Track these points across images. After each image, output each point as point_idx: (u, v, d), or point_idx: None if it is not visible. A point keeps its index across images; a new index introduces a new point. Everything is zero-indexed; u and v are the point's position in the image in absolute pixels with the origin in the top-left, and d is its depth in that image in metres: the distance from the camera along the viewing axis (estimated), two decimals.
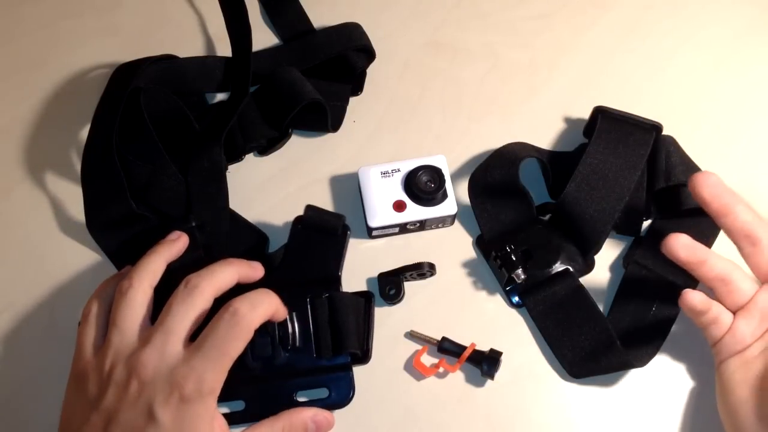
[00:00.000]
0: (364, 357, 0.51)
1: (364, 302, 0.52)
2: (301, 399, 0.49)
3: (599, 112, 0.57)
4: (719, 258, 0.48)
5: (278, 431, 0.45)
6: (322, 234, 0.52)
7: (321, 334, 0.50)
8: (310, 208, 0.53)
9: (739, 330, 0.47)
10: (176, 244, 0.50)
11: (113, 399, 0.42)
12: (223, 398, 0.46)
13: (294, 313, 0.50)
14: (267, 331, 0.48)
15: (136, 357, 0.43)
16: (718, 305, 0.48)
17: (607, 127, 0.56)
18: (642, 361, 0.51)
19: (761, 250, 0.47)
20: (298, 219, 0.53)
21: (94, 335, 0.46)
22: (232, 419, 0.47)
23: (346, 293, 0.52)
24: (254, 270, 0.50)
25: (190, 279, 0.46)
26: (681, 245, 0.48)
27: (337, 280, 0.52)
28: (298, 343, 0.49)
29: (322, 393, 0.49)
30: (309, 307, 0.50)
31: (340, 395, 0.49)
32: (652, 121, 0.56)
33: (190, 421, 0.41)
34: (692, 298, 0.48)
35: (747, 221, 0.47)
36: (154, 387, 0.42)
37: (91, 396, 0.43)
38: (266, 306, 0.45)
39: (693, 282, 0.54)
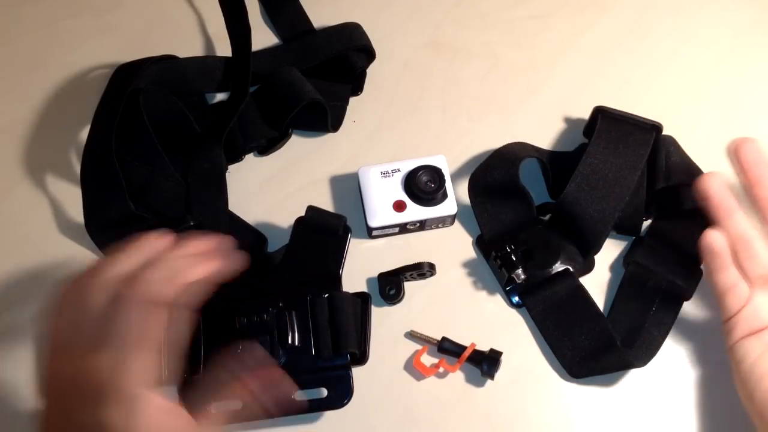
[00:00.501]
0: (362, 358, 0.51)
1: (361, 303, 0.52)
2: (299, 398, 0.49)
3: (599, 112, 0.57)
4: (747, 219, 0.46)
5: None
6: (323, 234, 0.52)
7: (321, 333, 0.50)
8: (311, 209, 0.53)
9: (759, 303, 0.45)
10: (150, 244, 0.44)
11: (71, 410, 0.39)
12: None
13: (294, 313, 0.50)
14: (266, 329, 0.48)
15: (86, 364, 0.39)
16: (738, 276, 0.46)
17: (607, 127, 0.56)
18: (642, 361, 0.51)
19: None
20: (299, 219, 0.53)
21: (56, 341, 0.42)
22: (230, 418, 0.47)
23: (346, 293, 0.52)
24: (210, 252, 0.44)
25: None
26: (714, 183, 0.47)
27: (338, 281, 0.52)
28: (297, 343, 0.49)
29: (321, 393, 0.49)
30: (309, 306, 0.50)
31: (340, 395, 0.49)
32: (652, 121, 0.56)
33: (124, 422, 0.38)
34: (713, 236, 0.46)
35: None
36: (86, 392, 0.39)
37: (54, 405, 0.40)
38: (165, 273, 0.41)
39: (693, 282, 0.54)
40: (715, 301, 0.48)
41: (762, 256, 0.46)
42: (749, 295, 0.46)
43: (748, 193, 0.47)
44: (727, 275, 0.46)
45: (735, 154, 0.47)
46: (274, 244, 0.56)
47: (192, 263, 0.43)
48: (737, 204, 0.47)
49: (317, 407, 0.49)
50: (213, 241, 0.45)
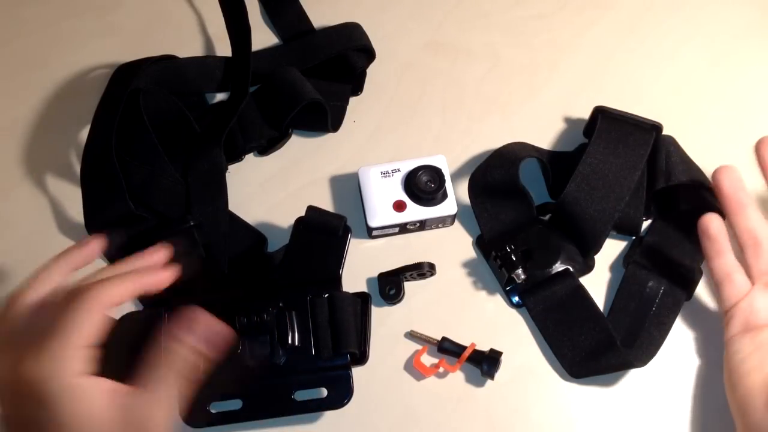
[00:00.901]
0: (361, 358, 0.51)
1: (361, 303, 0.52)
2: (299, 398, 0.49)
3: (599, 112, 0.57)
4: (760, 215, 0.47)
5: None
6: (323, 234, 0.52)
7: (320, 333, 0.50)
8: (311, 209, 0.53)
9: (757, 300, 0.46)
10: (85, 250, 0.45)
11: (13, 411, 0.40)
12: (220, 397, 0.46)
13: (294, 312, 0.50)
14: (266, 329, 0.48)
15: (15, 364, 0.39)
16: (735, 261, 0.47)
17: (607, 127, 0.56)
18: (642, 360, 0.51)
19: None
20: (299, 219, 0.53)
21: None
22: (230, 418, 0.47)
23: (346, 293, 0.52)
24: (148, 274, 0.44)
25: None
26: (729, 177, 0.47)
27: (338, 281, 0.52)
28: (297, 343, 0.49)
29: (321, 393, 0.49)
30: (309, 306, 0.50)
31: (339, 395, 0.49)
32: (652, 121, 0.56)
33: (59, 410, 0.38)
34: (710, 220, 0.47)
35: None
36: (21, 391, 0.39)
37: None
38: (102, 284, 0.41)
39: (693, 282, 0.54)
40: (714, 288, 0.48)
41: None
42: (749, 291, 0.46)
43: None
44: (724, 262, 0.47)
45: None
46: (274, 244, 0.56)
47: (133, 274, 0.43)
48: (750, 199, 0.47)
49: (317, 407, 0.49)
50: (153, 255, 0.45)
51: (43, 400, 0.38)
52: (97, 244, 0.45)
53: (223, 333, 0.42)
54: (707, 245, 0.48)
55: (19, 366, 0.39)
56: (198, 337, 0.41)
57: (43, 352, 0.39)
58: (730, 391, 0.46)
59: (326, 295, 0.51)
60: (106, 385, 0.39)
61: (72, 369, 0.39)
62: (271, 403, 0.48)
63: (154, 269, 0.44)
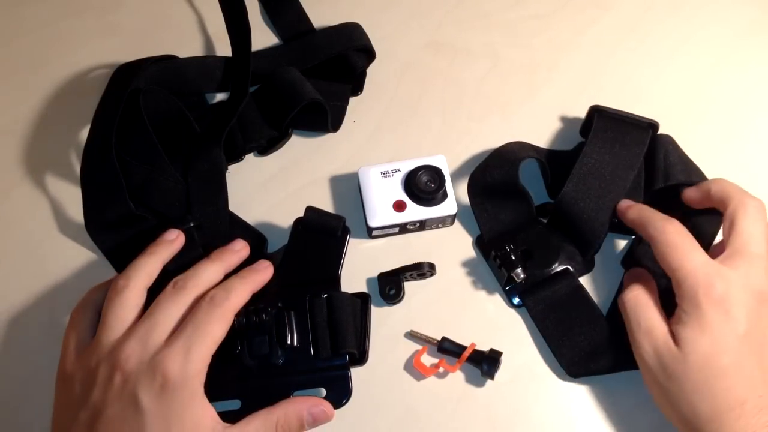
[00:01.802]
0: (361, 358, 0.51)
1: (360, 303, 0.52)
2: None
3: (595, 111, 0.57)
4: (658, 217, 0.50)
5: (273, 423, 0.45)
6: (322, 235, 0.52)
7: (319, 333, 0.50)
8: (310, 210, 0.53)
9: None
10: (173, 244, 0.50)
11: (99, 395, 0.42)
12: (219, 397, 0.46)
13: (292, 313, 0.50)
14: (265, 329, 0.48)
15: (120, 350, 0.43)
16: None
17: (604, 126, 0.56)
18: None
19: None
20: (298, 220, 0.53)
21: (79, 337, 0.46)
22: (228, 418, 0.47)
23: (345, 293, 0.52)
24: (239, 254, 0.51)
25: (178, 280, 0.47)
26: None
27: (337, 281, 0.52)
28: (296, 343, 0.49)
29: (320, 393, 0.49)
30: (308, 307, 0.50)
31: (338, 395, 0.49)
32: (648, 119, 0.56)
33: (176, 406, 0.41)
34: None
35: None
36: (137, 376, 0.42)
37: (77, 395, 0.43)
38: (240, 290, 0.47)
39: None
40: None
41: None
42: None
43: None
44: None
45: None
46: (274, 245, 0.56)
47: (253, 281, 0.49)
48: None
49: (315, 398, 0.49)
50: (263, 266, 0.51)
51: (163, 392, 0.41)
52: (181, 236, 0.51)
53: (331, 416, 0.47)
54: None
55: (164, 354, 0.42)
56: (314, 419, 0.47)
57: (191, 351, 0.42)
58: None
59: (325, 296, 0.51)
60: (212, 413, 0.43)
61: (203, 377, 0.43)
62: (270, 403, 0.48)
63: (258, 268, 0.50)
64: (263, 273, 0.50)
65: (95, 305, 0.48)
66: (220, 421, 0.44)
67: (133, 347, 0.43)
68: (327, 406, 0.47)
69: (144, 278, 0.47)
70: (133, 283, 0.46)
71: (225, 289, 0.46)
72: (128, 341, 0.43)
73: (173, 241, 0.50)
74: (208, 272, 0.48)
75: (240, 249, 0.51)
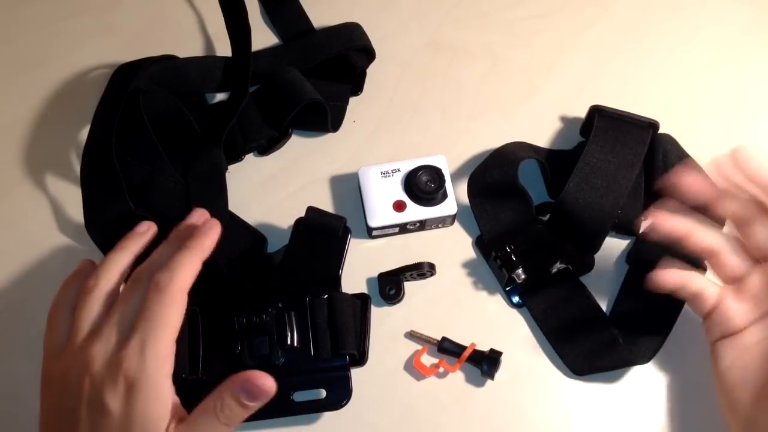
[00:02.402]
0: (361, 359, 0.51)
1: (360, 304, 0.52)
2: (298, 399, 0.49)
3: (596, 111, 0.57)
4: (707, 231, 0.47)
5: (212, 411, 0.41)
6: (323, 235, 0.52)
7: (320, 334, 0.50)
8: (311, 210, 0.53)
9: (730, 309, 0.46)
10: (144, 237, 0.47)
11: (73, 401, 0.40)
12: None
13: (293, 313, 0.50)
14: (265, 330, 0.48)
15: (86, 353, 0.41)
16: (700, 278, 0.48)
17: (604, 126, 0.56)
18: (644, 358, 0.51)
19: (752, 232, 0.46)
20: (299, 220, 0.53)
21: (55, 340, 0.44)
22: None
23: (346, 294, 0.52)
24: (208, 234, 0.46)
25: (134, 272, 0.44)
26: (663, 219, 0.48)
27: (337, 281, 0.52)
28: (296, 343, 0.49)
29: (320, 394, 0.49)
30: (308, 307, 0.50)
31: (338, 396, 0.49)
32: (648, 118, 0.56)
33: (140, 405, 0.39)
34: (665, 279, 0.48)
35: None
36: (102, 379, 0.40)
37: (56, 400, 0.42)
38: (185, 265, 0.43)
39: None
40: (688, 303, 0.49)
41: (731, 262, 0.47)
42: (721, 297, 0.47)
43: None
44: (690, 287, 0.47)
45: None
46: (274, 245, 0.56)
47: (200, 249, 0.44)
48: (689, 223, 0.48)
49: (316, 408, 0.49)
50: (209, 224, 0.46)
51: (127, 393, 0.39)
52: (153, 228, 0.47)
53: (269, 388, 0.42)
54: (671, 288, 0.49)
55: (120, 354, 0.40)
56: (248, 395, 0.42)
57: (146, 345, 0.40)
58: (720, 394, 0.47)
59: (325, 296, 0.51)
60: (175, 401, 0.41)
61: (167, 369, 0.41)
62: (270, 404, 0.48)
63: (200, 231, 0.45)
64: (208, 235, 0.45)
65: (69, 302, 0.45)
66: (182, 412, 0.42)
67: (98, 349, 0.41)
68: (262, 377, 0.41)
69: (114, 275, 0.44)
70: (102, 282, 0.43)
71: (168, 269, 0.42)
72: (94, 343, 0.41)
73: (144, 233, 0.47)
74: (163, 257, 0.44)
75: (212, 227, 0.46)
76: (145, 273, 0.43)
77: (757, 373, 0.45)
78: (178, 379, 0.48)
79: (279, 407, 0.48)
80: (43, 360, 0.44)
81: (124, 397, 0.39)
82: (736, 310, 0.46)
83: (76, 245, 0.57)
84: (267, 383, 0.41)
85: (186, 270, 0.43)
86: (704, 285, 0.47)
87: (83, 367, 0.41)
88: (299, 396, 0.49)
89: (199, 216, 0.47)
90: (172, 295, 0.41)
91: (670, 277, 0.47)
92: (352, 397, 0.49)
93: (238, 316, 0.49)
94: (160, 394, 0.40)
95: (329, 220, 0.52)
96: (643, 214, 0.55)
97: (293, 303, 0.50)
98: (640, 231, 0.54)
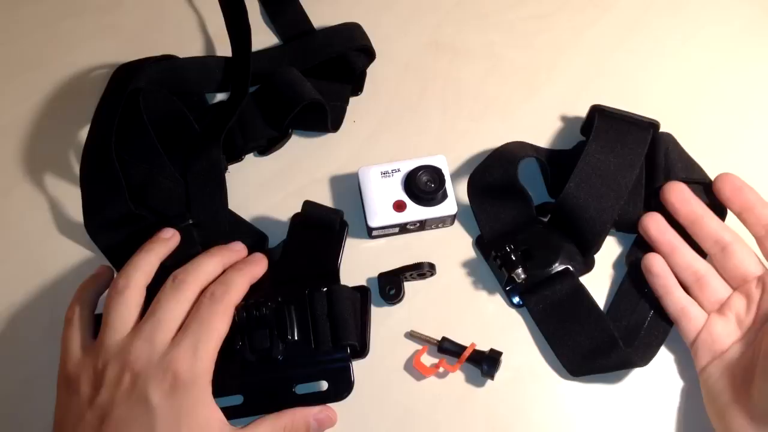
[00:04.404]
0: (362, 350, 0.51)
1: (360, 296, 0.52)
2: (300, 392, 0.49)
3: (596, 111, 0.57)
4: (692, 253, 0.50)
5: (281, 428, 0.46)
6: (320, 229, 0.52)
7: (319, 326, 0.50)
8: (307, 204, 0.53)
9: (716, 330, 0.48)
10: (169, 242, 0.50)
11: (107, 395, 0.42)
12: (221, 393, 0.46)
13: (292, 307, 0.50)
14: (265, 324, 0.48)
15: (128, 350, 0.43)
16: (687, 298, 0.50)
17: (605, 126, 0.56)
18: (643, 359, 0.51)
19: (730, 255, 0.49)
20: (296, 215, 0.53)
21: (81, 336, 0.46)
22: (231, 413, 0.47)
23: (345, 286, 0.52)
24: (239, 253, 0.52)
25: (177, 274, 0.47)
26: (656, 223, 0.51)
27: (336, 274, 0.52)
28: (296, 336, 0.49)
29: (321, 386, 0.49)
30: (308, 300, 0.50)
31: (340, 388, 0.49)
32: (649, 118, 0.56)
33: (186, 404, 0.42)
34: (650, 259, 0.51)
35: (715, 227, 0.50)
36: (146, 375, 0.42)
37: (84, 396, 0.43)
38: (238, 283, 0.48)
39: None
40: (674, 324, 0.51)
41: (713, 286, 0.50)
42: (705, 321, 0.49)
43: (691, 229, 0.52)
44: (676, 298, 0.50)
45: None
46: (274, 243, 0.56)
47: (251, 274, 0.49)
48: (679, 239, 0.51)
49: (318, 400, 0.49)
50: (258, 257, 0.52)
51: (175, 390, 0.41)
52: (177, 236, 0.51)
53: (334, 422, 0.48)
54: (654, 283, 0.51)
55: (171, 353, 0.43)
56: (319, 425, 0.48)
57: (198, 348, 0.43)
58: (713, 416, 0.48)
59: (325, 289, 0.51)
60: (220, 414, 0.44)
61: (210, 371, 0.43)
62: (272, 398, 0.48)
63: (254, 258, 0.51)
64: (259, 264, 0.50)
65: (89, 303, 0.48)
66: (227, 422, 0.44)
67: (141, 347, 0.43)
68: (332, 412, 0.48)
69: (143, 276, 0.47)
70: (133, 282, 0.46)
71: (224, 283, 0.47)
72: (135, 341, 0.43)
73: (169, 239, 0.50)
74: (208, 266, 0.48)
75: (239, 250, 0.52)
76: (189, 276, 0.47)
77: (742, 383, 0.46)
78: None
79: (281, 400, 0.48)
80: (63, 357, 0.46)
81: (171, 394, 0.41)
82: (721, 329, 0.48)
83: (76, 245, 0.56)
84: (335, 417, 0.48)
85: (239, 289, 0.47)
86: (688, 302, 0.50)
87: (124, 364, 0.42)
88: (301, 389, 0.49)
89: (242, 248, 0.52)
90: (226, 306, 0.46)
91: (657, 263, 0.51)
92: (352, 397, 0.49)
93: (238, 310, 0.49)
94: (208, 395, 0.43)
95: (326, 214, 0.53)
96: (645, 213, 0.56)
97: (292, 296, 0.50)
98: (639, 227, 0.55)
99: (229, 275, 0.48)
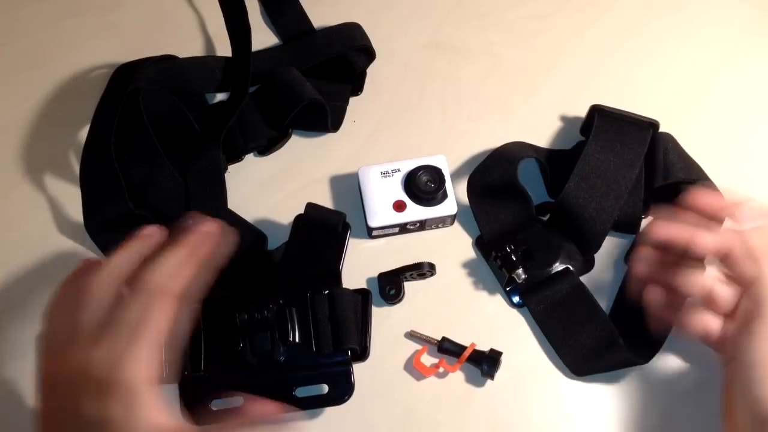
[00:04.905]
0: (362, 354, 0.51)
1: (361, 299, 0.52)
2: (300, 395, 0.49)
3: (596, 111, 0.57)
4: (697, 273, 0.48)
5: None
6: (323, 231, 0.53)
7: (321, 329, 0.50)
8: (310, 206, 0.53)
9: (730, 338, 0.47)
10: (148, 240, 0.45)
11: (75, 402, 0.39)
12: (221, 394, 0.46)
13: (294, 309, 0.50)
14: (267, 326, 0.48)
15: (87, 356, 0.40)
16: (698, 314, 0.48)
17: (605, 126, 0.56)
18: (644, 358, 0.51)
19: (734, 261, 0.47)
20: (299, 217, 0.53)
21: (58, 338, 0.42)
22: (231, 414, 0.47)
23: (346, 289, 0.52)
24: (208, 238, 0.45)
25: (137, 278, 0.42)
26: (640, 263, 0.49)
27: (338, 277, 0.52)
28: (297, 339, 0.49)
29: (322, 389, 0.49)
30: (309, 303, 0.50)
31: (340, 391, 0.49)
32: (648, 118, 0.56)
33: (139, 413, 0.38)
34: (649, 296, 0.49)
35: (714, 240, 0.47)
36: (99, 384, 0.39)
37: (60, 402, 0.41)
38: (179, 272, 0.42)
39: None
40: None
41: (724, 297, 0.47)
42: (725, 327, 0.47)
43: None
44: (693, 326, 0.48)
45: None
46: (275, 243, 0.56)
47: (192, 252, 0.43)
48: (669, 268, 0.49)
49: (318, 403, 0.49)
50: (205, 227, 0.45)
51: (97, 397, 0.38)
52: (158, 232, 0.45)
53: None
54: (665, 316, 0.50)
55: (78, 358, 0.39)
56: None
57: (109, 346, 0.39)
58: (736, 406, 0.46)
59: (326, 292, 0.51)
60: (160, 400, 0.39)
61: (136, 371, 0.39)
62: (273, 400, 0.48)
63: (196, 236, 0.44)
64: (204, 241, 0.44)
65: (68, 302, 0.43)
66: (185, 428, 0.41)
67: (98, 354, 0.39)
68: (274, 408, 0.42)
69: (115, 278, 0.42)
70: (104, 284, 0.42)
71: (161, 275, 0.41)
72: (95, 347, 0.40)
73: (149, 236, 0.45)
74: (170, 264, 0.42)
75: (208, 230, 0.45)
76: (148, 283, 0.42)
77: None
78: (180, 377, 0.49)
79: (282, 402, 0.48)
80: (41, 359, 0.43)
81: (123, 403, 0.38)
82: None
83: (76, 245, 0.56)
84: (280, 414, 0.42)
85: (179, 277, 0.41)
86: (706, 322, 0.48)
87: (84, 370, 0.40)
88: (302, 391, 0.49)
89: (194, 220, 0.46)
90: (155, 298, 0.40)
91: (657, 296, 0.49)
92: (353, 397, 0.49)
93: (239, 312, 0.49)
94: (156, 401, 0.39)
95: (329, 216, 0.53)
96: (644, 213, 0.56)
97: (294, 299, 0.50)
98: (640, 231, 0.54)
99: (165, 260, 0.42)
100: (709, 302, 0.48)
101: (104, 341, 0.39)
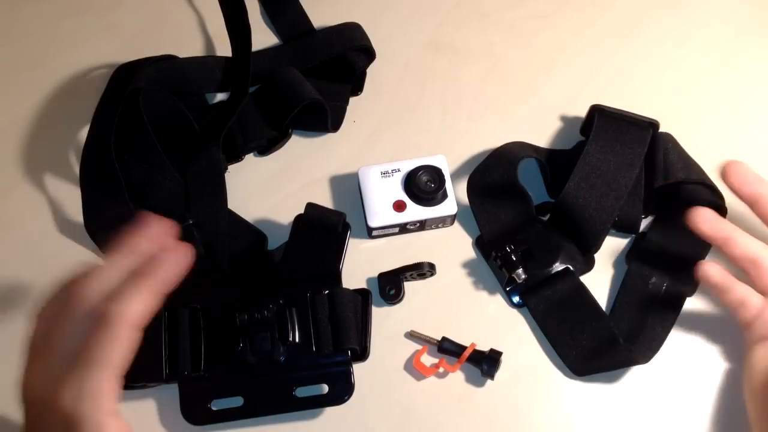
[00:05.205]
0: (362, 354, 0.51)
1: (361, 300, 0.52)
2: (300, 395, 0.49)
3: (596, 111, 0.57)
4: (747, 237, 0.47)
5: None
6: (323, 231, 0.53)
7: (321, 329, 0.50)
8: (310, 206, 0.53)
9: None
10: (137, 249, 0.41)
11: (34, 421, 0.39)
12: (221, 394, 0.46)
13: (294, 309, 0.50)
14: (267, 326, 0.48)
15: (34, 377, 0.39)
16: (744, 286, 0.47)
17: (605, 126, 0.56)
18: (645, 358, 0.51)
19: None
20: (299, 217, 0.53)
21: (34, 350, 0.42)
22: (231, 415, 0.47)
23: (346, 289, 0.52)
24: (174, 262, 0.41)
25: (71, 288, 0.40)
26: (704, 218, 0.48)
27: (338, 277, 0.52)
28: (297, 339, 0.49)
29: (322, 389, 0.49)
30: (309, 303, 0.50)
31: (340, 391, 0.49)
32: (648, 118, 0.56)
33: None
34: (706, 270, 0.48)
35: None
36: (42, 411, 0.38)
37: (31, 414, 0.40)
38: (137, 299, 0.38)
39: (695, 279, 0.53)
40: (730, 313, 0.48)
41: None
42: (762, 307, 0.47)
43: (753, 209, 0.48)
44: (735, 293, 0.47)
45: (726, 179, 0.49)
46: (275, 243, 0.56)
47: (160, 285, 0.40)
48: (731, 228, 0.48)
49: (318, 403, 0.49)
50: (173, 256, 0.41)
51: (65, 428, 0.37)
52: (159, 232, 0.42)
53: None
54: (712, 287, 0.49)
55: (51, 383, 0.38)
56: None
57: (82, 383, 0.37)
58: (747, 387, 0.47)
59: (326, 292, 0.51)
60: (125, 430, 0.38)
61: (106, 407, 0.37)
62: (273, 400, 0.48)
63: (167, 263, 0.40)
64: (169, 264, 0.40)
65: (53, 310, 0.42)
66: None
67: (40, 377, 0.39)
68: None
69: (98, 292, 0.40)
70: (84, 300, 0.40)
71: (117, 301, 0.38)
72: (38, 369, 0.39)
73: (138, 244, 0.41)
74: (140, 300, 0.39)
75: (177, 260, 0.41)
76: (113, 310, 0.38)
77: None
78: (180, 377, 0.49)
79: (282, 403, 0.48)
80: (23, 362, 0.42)
81: None
82: None
83: (76, 245, 0.56)
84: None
85: (137, 304, 0.38)
86: (747, 294, 0.47)
87: (52, 400, 0.38)
88: (301, 392, 0.49)
89: (155, 233, 0.41)
90: (119, 330, 0.37)
91: (715, 272, 0.48)
92: (353, 397, 0.49)
93: (239, 312, 0.49)
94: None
95: (329, 216, 0.53)
96: (644, 213, 0.56)
97: (294, 299, 0.50)
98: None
99: (128, 287, 0.39)
100: (755, 271, 0.47)
101: (70, 372, 0.37)
